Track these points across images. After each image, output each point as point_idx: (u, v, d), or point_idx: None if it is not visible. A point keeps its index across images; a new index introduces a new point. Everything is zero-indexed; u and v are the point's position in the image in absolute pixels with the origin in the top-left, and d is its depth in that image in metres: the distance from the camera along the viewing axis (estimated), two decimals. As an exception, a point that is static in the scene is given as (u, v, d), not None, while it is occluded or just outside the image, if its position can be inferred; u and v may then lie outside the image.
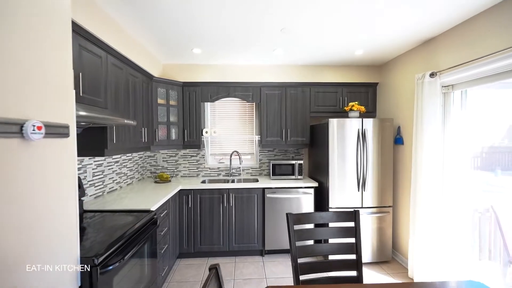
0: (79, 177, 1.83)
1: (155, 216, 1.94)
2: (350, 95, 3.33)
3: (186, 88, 3.22)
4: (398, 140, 2.86)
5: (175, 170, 3.55)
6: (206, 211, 2.94)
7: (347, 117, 3.01)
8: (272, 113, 3.28)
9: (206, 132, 3.36)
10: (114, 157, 2.63)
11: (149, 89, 2.83)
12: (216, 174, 3.59)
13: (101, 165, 2.40)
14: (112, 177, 2.59)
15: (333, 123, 2.77)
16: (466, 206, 2.29)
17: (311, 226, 2.56)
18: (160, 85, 2.98)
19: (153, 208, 2.02)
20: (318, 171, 3.14)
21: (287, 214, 1.49)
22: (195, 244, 2.93)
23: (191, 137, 3.24)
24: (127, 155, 2.94)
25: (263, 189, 2.99)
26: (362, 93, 3.35)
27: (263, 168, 3.63)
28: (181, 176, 3.56)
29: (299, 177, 3.25)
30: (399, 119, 2.91)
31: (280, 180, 3.17)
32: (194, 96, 3.23)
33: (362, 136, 2.77)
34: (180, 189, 2.90)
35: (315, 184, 3.02)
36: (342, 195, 2.80)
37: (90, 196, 2.21)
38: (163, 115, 3.03)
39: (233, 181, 3.43)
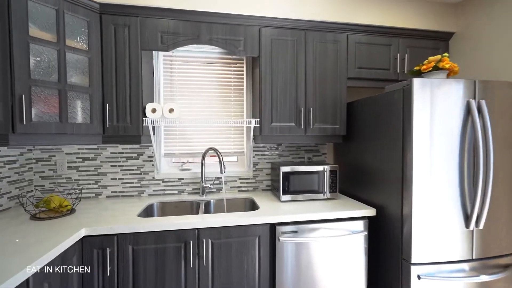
0: None
1: None
2: (411, 51, 1.94)
3: (110, 18, 1.56)
4: (526, 126, 1.51)
5: (85, 186, 1.86)
6: (149, 277, 1.32)
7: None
8: (281, 77, 1.76)
9: (154, 112, 1.71)
10: None
11: (-3, -5, 1.14)
12: (175, 191, 1.97)
13: None
14: None
15: (422, 86, 1.33)
16: None
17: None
18: (38, -3, 1.30)
19: None
20: (367, 184, 1.69)
21: None
22: None
23: (122, 120, 1.59)
24: None
25: (272, 225, 1.45)
26: (429, 50, 1.97)
27: (260, 178, 2.09)
28: (108, 197, 1.88)
29: (330, 196, 1.76)
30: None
31: (299, 202, 1.66)
32: (126, 37, 1.58)
33: (478, 114, 1.36)
34: (85, 236, 1.25)
35: (371, 212, 1.56)
36: (434, 236, 1.37)
37: None
38: (48, 68, 1.34)
39: (207, 206, 1.84)
